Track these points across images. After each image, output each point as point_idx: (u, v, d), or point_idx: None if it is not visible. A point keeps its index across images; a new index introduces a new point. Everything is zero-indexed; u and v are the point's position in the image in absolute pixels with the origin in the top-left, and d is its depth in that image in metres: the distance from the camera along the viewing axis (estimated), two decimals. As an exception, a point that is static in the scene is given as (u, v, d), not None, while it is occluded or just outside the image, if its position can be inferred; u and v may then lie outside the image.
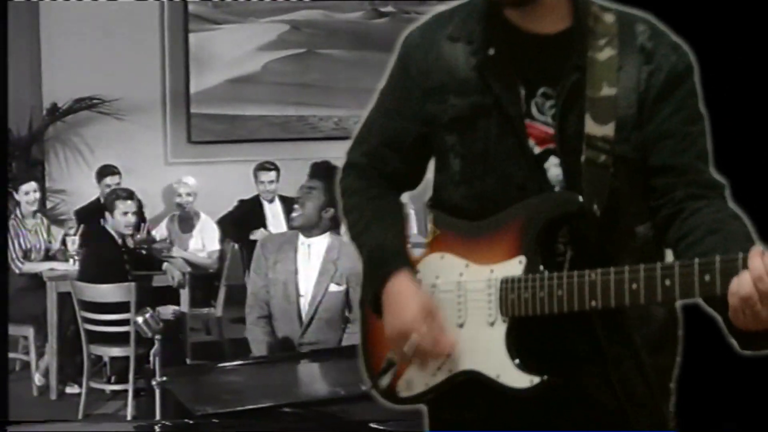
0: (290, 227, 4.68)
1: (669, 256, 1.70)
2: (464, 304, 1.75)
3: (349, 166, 1.93)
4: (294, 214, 4.64)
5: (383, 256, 1.80)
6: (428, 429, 1.88)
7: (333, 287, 4.50)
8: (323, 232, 4.55)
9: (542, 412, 1.72)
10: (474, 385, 1.72)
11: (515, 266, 1.69)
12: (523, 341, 1.68)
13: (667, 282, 1.49)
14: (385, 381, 1.84)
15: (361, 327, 1.96)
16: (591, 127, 1.67)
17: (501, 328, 1.69)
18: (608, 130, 1.68)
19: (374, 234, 1.83)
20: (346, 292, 4.53)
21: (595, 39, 1.70)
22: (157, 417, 3.87)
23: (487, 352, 1.70)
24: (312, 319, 4.51)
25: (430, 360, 1.75)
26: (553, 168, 1.72)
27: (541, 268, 1.66)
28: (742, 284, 1.43)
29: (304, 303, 4.52)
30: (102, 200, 7.23)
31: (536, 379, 1.64)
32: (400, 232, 1.85)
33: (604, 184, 1.67)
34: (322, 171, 4.61)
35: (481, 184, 1.75)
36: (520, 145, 1.71)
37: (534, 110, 1.72)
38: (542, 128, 1.72)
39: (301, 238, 4.55)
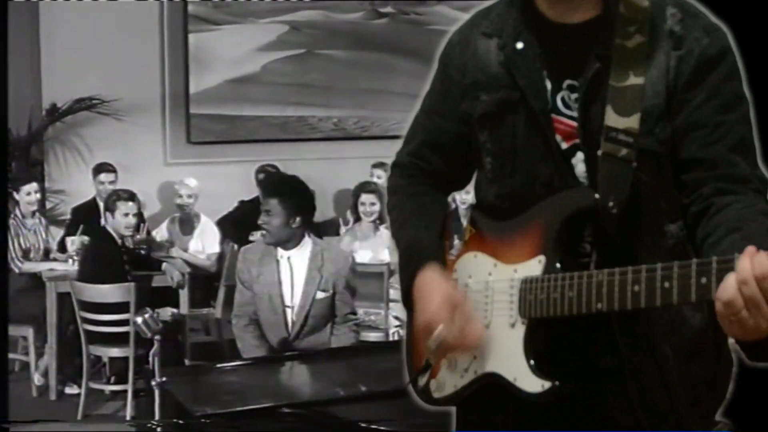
0: (266, 242, 4.66)
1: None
2: (490, 305, 1.72)
3: (395, 166, 1.93)
4: (263, 234, 4.64)
5: (414, 252, 1.78)
6: (455, 430, 1.86)
7: (320, 294, 4.51)
8: (299, 241, 4.54)
9: (558, 420, 1.67)
10: (499, 389, 1.68)
11: (535, 266, 1.65)
12: (542, 345, 1.63)
13: (666, 284, 1.40)
14: (422, 381, 1.83)
15: (406, 326, 1.93)
16: (612, 119, 1.59)
17: (520, 330, 1.65)
18: (632, 122, 1.58)
19: (409, 230, 1.82)
20: (332, 297, 4.54)
21: (625, 25, 1.61)
22: (157, 417, 3.87)
23: (507, 354, 1.66)
24: (301, 328, 4.51)
25: (458, 354, 1.72)
26: (580, 164, 1.65)
27: (558, 266, 1.61)
28: (726, 288, 1.32)
29: (291, 313, 4.52)
30: (98, 198, 7.23)
31: (547, 384, 1.59)
32: (437, 228, 1.82)
33: (624, 179, 1.58)
34: (272, 187, 4.60)
35: (511, 182, 1.72)
36: (546, 141, 1.65)
37: (560, 104, 1.65)
38: (568, 123, 1.65)
39: (279, 251, 4.55)
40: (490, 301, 1.72)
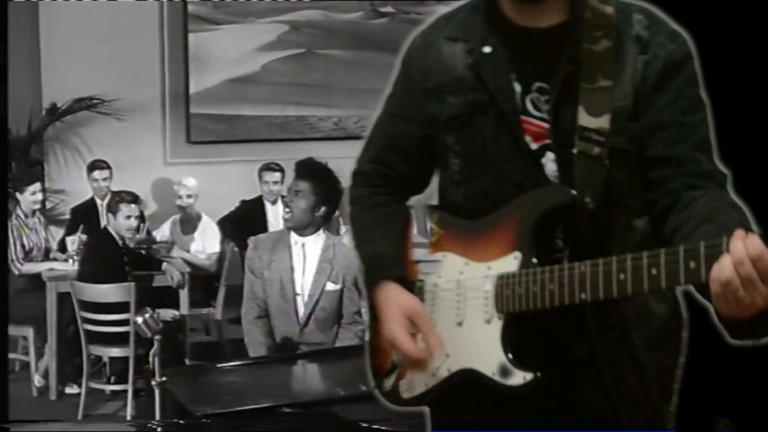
0: (285, 228, 4.68)
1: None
2: (463, 303, 1.75)
3: (356, 174, 1.95)
4: (285, 216, 4.64)
5: (375, 266, 1.84)
6: (431, 430, 1.88)
7: (330, 286, 4.50)
8: (316, 230, 4.55)
9: (538, 411, 1.71)
10: (475, 385, 1.72)
11: (511, 262, 1.69)
12: (519, 339, 1.68)
13: (653, 270, 1.45)
14: (389, 383, 1.85)
15: (369, 329, 1.97)
16: (584, 120, 1.65)
17: (497, 325, 1.69)
18: (603, 122, 1.65)
19: (370, 243, 1.87)
20: (341, 291, 4.53)
21: (592, 30, 1.68)
22: (157, 417, 3.87)
23: (484, 349, 1.70)
24: (309, 318, 4.51)
25: (425, 362, 1.76)
26: (551, 164, 1.71)
27: (534, 261, 1.65)
28: (722, 269, 1.37)
29: (301, 302, 4.52)
30: (95, 197, 7.23)
31: (529, 376, 1.63)
32: (398, 239, 1.86)
33: (598, 177, 1.65)
34: (307, 170, 4.61)
35: (480, 182, 1.75)
36: (517, 142, 1.70)
37: (530, 106, 1.71)
38: (538, 124, 1.70)
39: (294, 236, 4.55)
40: (462, 299, 1.76)
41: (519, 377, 1.64)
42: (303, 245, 4.54)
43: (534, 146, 1.71)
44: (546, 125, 1.70)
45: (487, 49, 1.73)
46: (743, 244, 1.36)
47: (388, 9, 8.92)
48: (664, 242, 1.60)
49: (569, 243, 1.68)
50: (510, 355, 1.65)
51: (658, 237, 1.67)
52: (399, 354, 1.76)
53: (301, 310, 4.52)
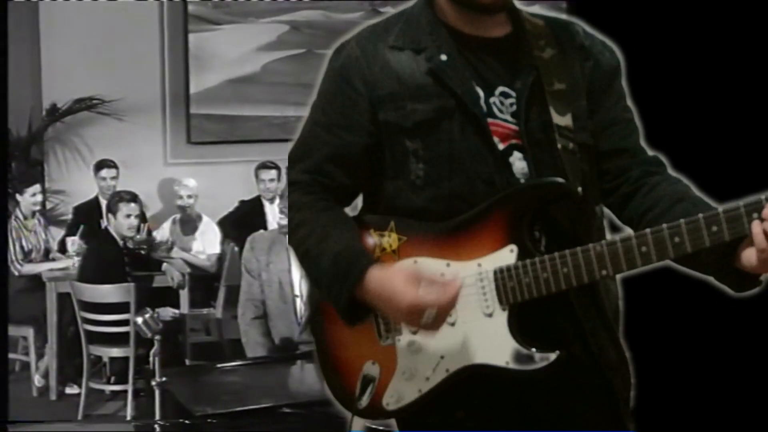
0: (281, 231, 4.66)
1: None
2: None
3: (292, 184, 1.90)
4: (280, 221, 4.63)
5: (353, 257, 1.75)
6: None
7: None
8: None
9: (536, 393, 1.77)
10: (466, 382, 1.75)
11: (507, 255, 1.73)
12: (521, 326, 1.74)
13: (677, 239, 1.62)
14: (365, 400, 1.83)
15: (319, 355, 1.94)
16: (556, 118, 1.79)
17: (501, 317, 1.73)
18: (568, 120, 1.80)
19: (336, 240, 1.79)
20: None
21: (536, 40, 1.83)
22: (157, 417, 3.87)
23: (489, 342, 1.73)
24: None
25: (418, 362, 1.77)
26: (518, 162, 1.79)
27: (533, 251, 1.73)
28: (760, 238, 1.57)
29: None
30: (100, 195, 7.24)
31: (552, 356, 1.70)
32: (359, 238, 1.82)
33: (577, 169, 1.78)
34: None
35: (449, 184, 1.78)
36: (486, 143, 1.77)
37: (494, 109, 1.79)
38: (504, 125, 1.79)
39: None
40: None
41: (540, 360, 1.71)
42: None
43: (501, 146, 1.79)
44: (511, 126, 1.79)
45: (443, 57, 1.79)
46: None
47: (388, 9, 8.91)
48: (626, 224, 1.81)
49: (546, 232, 1.77)
50: (524, 343, 1.71)
51: (618, 221, 1.85)
52: (427, 314, 1.65)
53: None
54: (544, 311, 1.75)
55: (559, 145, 1.77)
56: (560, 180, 1.74)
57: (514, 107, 1.79)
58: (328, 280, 1.77)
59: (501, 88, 1.80)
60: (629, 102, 1.92)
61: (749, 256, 1.62)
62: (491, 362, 1.73)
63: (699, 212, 1.63)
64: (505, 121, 1.79)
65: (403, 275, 1.68)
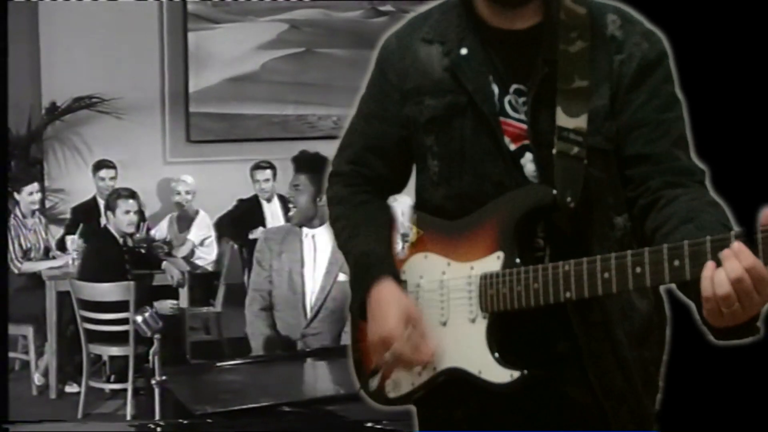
0: (292, 225, 4.69)
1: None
2: (447, 303, 1.76)
3: (334, 175, 1.93)
4: (291, 213, 4.66)
5: (369, 263, 1.79)
6: (418, 429, 1.89)
7: (341, 276, 4.48)
8: (324, 220, 4.54)
9: (523, 408, 1.73)
10: (461, 383, 1.74)
11: (493, 262, 1.70)
12: (504, 337, 1.69)
13: (638, 269, 1.47)
14: (374, 383, 1.86)
15: (351, 330, 1.97)
16: (562, 120, 1.67)
17: (482, 324, 1.71)
18: (581, 122, 1.67)
19: (360, 241, 1.83)
20: None
21: (566, 31, 1.70)
22: (157, 416, 3.87)
23: (469, 348, 1.72)
24: (320, 309, 4.50)
25: (412, 365, 1.77)
26: (529, 164, 1.72)
27: (517, 261, 1.67)
28: (719, 284, 1.38)
29: (310, 294, 4.52)
30: (98, 195, 7.24)
31: (516, 374, 1.65)
32: (387, 237, 1.85)
33: (578, 176, 1.66)
34: (304, 163, 4.62)
35: (459, 183, 1.76)
36: (496, 143, 1.72)
37: (508, 108, 1.72)
38: (517, 125, 1.72)
39: (304, 230, 4.56)
40: (446, 299, 1.76)
41: (505, 375, 1.66)
42: (313, 237, 4.54)
43: (513, 147, 1.72)
44: (524, 126, 1.71)
45: (464, 51, 1.74)
46: (738, 262, 1.37)
47: (388, 8, 8.92)
48: (645, 240, 1.63)
49: (550, 242, 1.70)
50: (496, 354, 1.67)
51: (637, 234, 1.69)
52: (390, 353, 1.72)
53: (309, 303, 4.51)
54: (539, 327, 1.69)
55: (554, 150, 1.67)
56: (545, 188, 1.67)
57: (527, 106, 1.71)
58: (352, 277, 1.84)
59: (515, 86, 1.72)
60: (677, 98, 1.72)
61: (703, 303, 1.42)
62: (466, 368, 1.72)
63: (702, 236, 1.44)
64: (519, 120, 1.72)
65: (400, 311, 1.72)
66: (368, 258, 1.80)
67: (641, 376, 1.75)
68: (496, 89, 1.72)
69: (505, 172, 1.72)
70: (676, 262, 1.43)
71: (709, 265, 1.40)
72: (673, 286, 1.53)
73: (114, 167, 7.31)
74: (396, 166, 1.89)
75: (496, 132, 1.72)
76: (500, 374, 1.66)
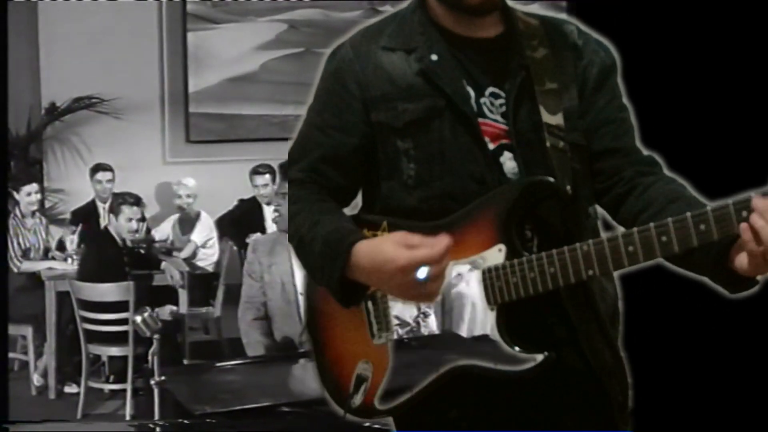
0: (280, 231, 4.68)
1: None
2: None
3: (290, 182, 1.91)
4: (276, 220, 4.64)
5: (341, 234, 1.74)
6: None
7: None
8: None
9: (528, 393, 1.76)
10: (458, 382, 1.75)
11: (495, 255, 1.72)
12: (510, 326, 1.72)
13: (664, 238, 1.58)
14: (358, 399, 1.83)
15: (315, 355, 1.95)
16: (546, 117, 1.79)
17: (490, 317, 1.72)
18: (559, 119, 1.80)
19: (326, 224, 1.77)
20: None
21: (528, 40, 1.83)
22: (156, 416, 3.87)
23: (477, 342, 1.73)
24: None
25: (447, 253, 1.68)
26: (508, 162, 1.79)
27: (521, 251, 1.71)
28: (755, 222, 1.52)
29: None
30: (96, 199, 7.24)
31: (539, 357, 1.68)
32: (351, 221, 1.81)
33: (567, 168, 1.78)
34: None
35: (441, 183, 1.79)
36: (477, 142, 1.78)
37: (485, 109, 1.80)
38: (494, 125, 1.80)
39: None
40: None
41: (528, 361, 1.69)
42: None
43: (492, 146, 1.79)
44: (501, 126, 1.80)
45: (434, 57, 1.80)
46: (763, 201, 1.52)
47: (387, 8, 8.90)
48: (625, 224, 1.76)
49: (537, 232, 1.77)
50: (513, 344, 1.70)
51: (612, 221, 1.84)
52: (422, 274, 1.61)
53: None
54: (535, 313, 1.74)
55: (548, 144, 1.77)
56: (548, 178, 1.74)
57: (504, 108, 1.80)
58: (320, 262, 1.75)
59: (491, 89, 1.81)
60: (626, 101, 1.90)
61: (741, 259, 1.58)
62: (478, 362, 1.72)
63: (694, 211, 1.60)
64: (495, 121, 1.80)
65: (391, 241, 1.67)
66: (337, 234, 1.74)
67: (617, 352, 1.85)
68: (471, 92, 1.80)
69: (486, 170, 1.77)
70: (702, 226, 1.56)
71: (745, 226, 1.52)
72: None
73: (111, 170, 7.31)
74: (351, 176, 1.88)
75: (476, 132, 1.78)
76: (520, 362, 1.69)
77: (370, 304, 1.82)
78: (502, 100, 1.80)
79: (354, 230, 1.77)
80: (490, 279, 1.72)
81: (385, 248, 1.66)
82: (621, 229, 1.74)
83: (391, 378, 1.81)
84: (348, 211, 1.91)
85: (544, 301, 1.72)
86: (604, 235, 1.71)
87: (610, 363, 1.82)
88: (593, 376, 1.80)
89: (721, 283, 1.66)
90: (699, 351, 2.59)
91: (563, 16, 1.99)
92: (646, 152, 1.86)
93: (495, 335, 1.71)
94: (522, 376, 1.70)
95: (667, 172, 1.83)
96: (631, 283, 1.87)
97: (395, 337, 1.82)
